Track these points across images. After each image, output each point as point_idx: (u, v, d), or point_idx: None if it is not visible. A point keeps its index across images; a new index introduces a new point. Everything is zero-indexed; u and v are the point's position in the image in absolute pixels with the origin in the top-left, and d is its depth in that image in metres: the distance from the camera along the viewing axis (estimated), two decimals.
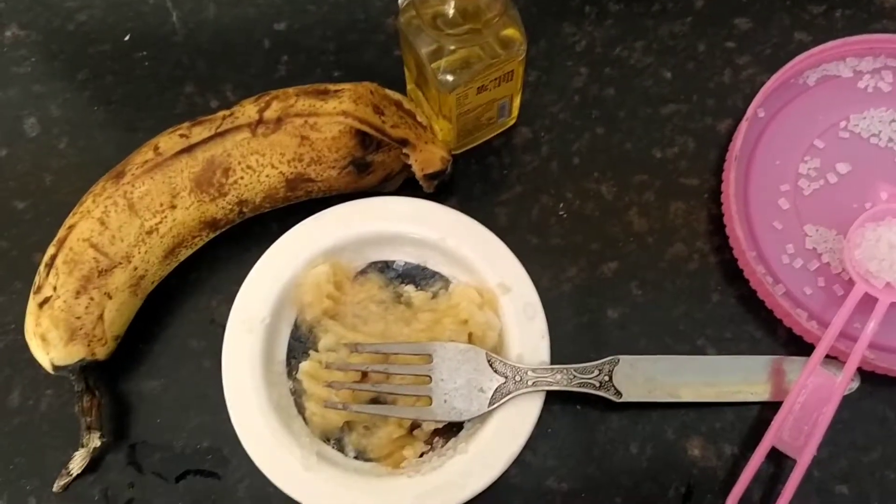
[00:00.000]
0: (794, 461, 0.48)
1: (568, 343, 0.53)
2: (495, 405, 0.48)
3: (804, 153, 0.56)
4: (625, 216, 0.56)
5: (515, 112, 0.57)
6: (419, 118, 0.54)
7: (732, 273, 0.54)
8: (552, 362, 0.50)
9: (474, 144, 0.57)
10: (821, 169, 0.55)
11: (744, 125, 0.54)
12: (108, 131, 0.59)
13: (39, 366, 0.51)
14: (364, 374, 0.50)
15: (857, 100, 0.57)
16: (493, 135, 0.58)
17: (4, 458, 0.52)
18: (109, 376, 0.53)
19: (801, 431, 0.49)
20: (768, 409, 0.51)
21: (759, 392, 0.51)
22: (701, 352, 0.53)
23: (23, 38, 0.62)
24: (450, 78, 0.49)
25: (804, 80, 0.58)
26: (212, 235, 0.53)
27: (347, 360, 0.50)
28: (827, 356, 0.50)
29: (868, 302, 0.50)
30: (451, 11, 0.46)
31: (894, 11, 0.60)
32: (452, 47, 0.48)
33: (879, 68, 0.58)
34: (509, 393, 0.49)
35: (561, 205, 0.56)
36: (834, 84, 0.58)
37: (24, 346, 0.51)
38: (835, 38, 0.57)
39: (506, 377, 0.49)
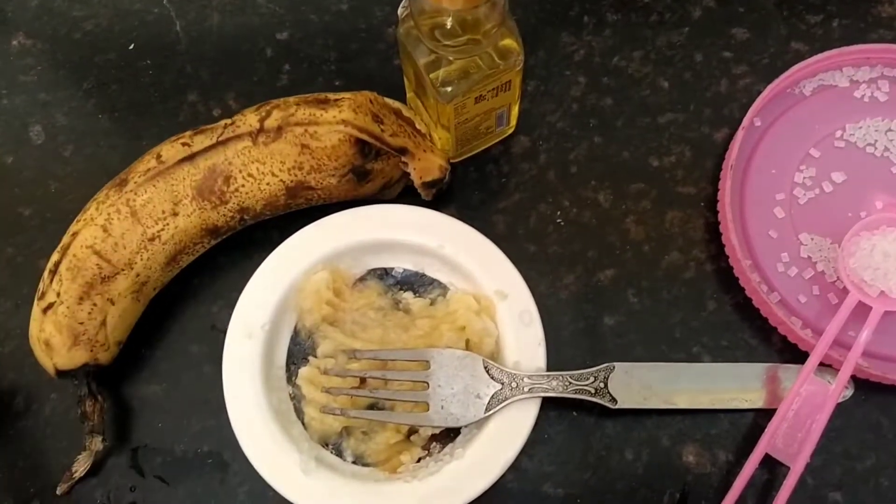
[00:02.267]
0: (788, 468, 0.49)
1: (565, 350, 0.54)
2: (492, 411, 0.49)
3: (800, 162, 0.56)
4: (622, 224, 0.57)
5: (514, 121, 0.58)
6: (418, 126, 0.55)
7: (728, 281, 0.54)
8: (549, 369, 0.51)
9: (473, 153, 0.58)
10: (816, 178, 0.56)
11: (740, 134, 0.55)
12: (113, 139, 0.60)
13: (44, 370, 0.51)
14: (362, 380, 0.51)
15: (853, 109, 0.57)
16: (491, 143, 0.58)
17: (9, 460, 0.53)
18: (112, 381, 0.54)
19: (794, 439, 0.50)
20: (763, 416, 0.51)
21: (753, 399, 0.52)
22: (696, 359, 0.54)
23: (29, 46, 0.63)
24: (448, 89, 0.50)
25: (800, 90, 0.58)
26: (213, 242, 0.54)
27: (346, 366, 0.51)
28: (821, 364, 0.51)
29: (862, 310, 0.51)
30: (449, 23, 0.47)
31: (892, 21, 0.61)
32: (451, 58, 0.49)
33: (876, 78, 0.58)
34: (505, 399, 0.49)
35: (559, 213, 0.57)
36: (830, 94, 0.58)
37: (30, 351, 0.52)
38: (832, 47, 0.57)
39: (502, 383, 0.49)
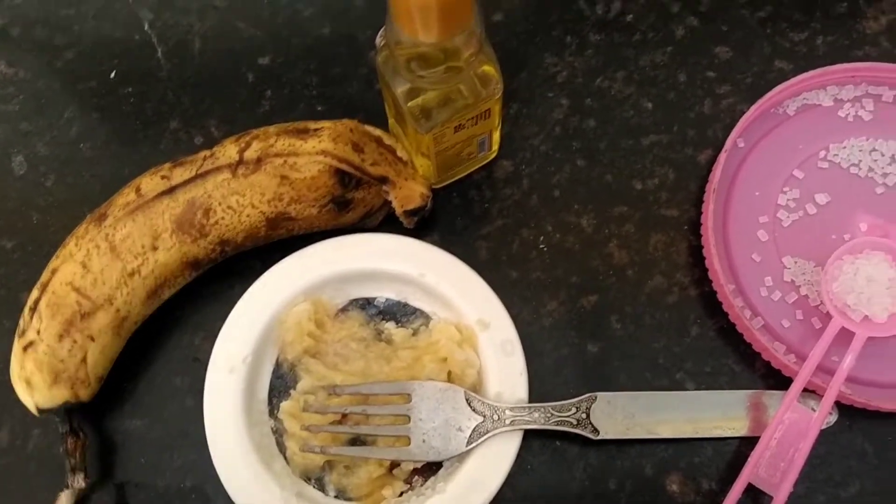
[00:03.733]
0: (772, 498, 0.49)
1: (548, 377, 0.54)
2: (473, 444, 0.49)
3: (783, 183, 0.56)
4: (605, 249, 0.56)
5: (496, 146, 0.57)
6: (399, 153, 0.55)
7: (712, 306, 0.54)
8: (531, 398, 0.51)
9: (455, 178, 0.58)
10: (800, 200, 0.55)
11: (723, 157, 0.54)
12: (95, 168, 0.60)
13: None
14: (343, 415, 0.51)
15: (837, 129, 0.57)
16: (473, 169, 0.58)
17: None
18: (94, 416, 0.54)
19: (777, 468, 0.49)
20: (747, 444, 0.51)
21: (737, 427, 0.51)
22: (680, 386, 0.53)
23: (10, 75, 0.63)
24: (427, 119, 0.49)
25: (784, 110, 0.58)
26: (194, 275, 0.54)
27: (326, 402, 0.51)
28: (805, 390, 0.51)
29: (846, 335, 0.50)
30: (426, 54, 0.46)
31: (877, 37, 0.60)
32: (428, 88, 0.49)
33: (860, 96, 0.57)
34: (487, 432, 0.49)
35: (541, 238, 0.57)
36: (814, 113, 0.58)
37: (12, 386, 0.52)
38: (816, 65, 0.57)
39: (484, 416, 0.49)
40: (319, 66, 0.62)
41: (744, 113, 0.55)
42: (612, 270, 0.56)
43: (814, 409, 0.50)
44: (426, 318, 0.54)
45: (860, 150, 0.56)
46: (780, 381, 0.52)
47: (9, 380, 0.52)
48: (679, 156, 0.58)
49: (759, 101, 0.55)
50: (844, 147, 0.56)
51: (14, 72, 0.63)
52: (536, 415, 0.49)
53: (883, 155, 0.56)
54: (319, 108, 0.61)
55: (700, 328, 0.54)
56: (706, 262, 0.54)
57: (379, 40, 0.49)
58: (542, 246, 0.57)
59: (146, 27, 0.63)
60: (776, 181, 0.56)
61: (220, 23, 0.63)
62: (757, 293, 0.54)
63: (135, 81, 0.62)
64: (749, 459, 0.49)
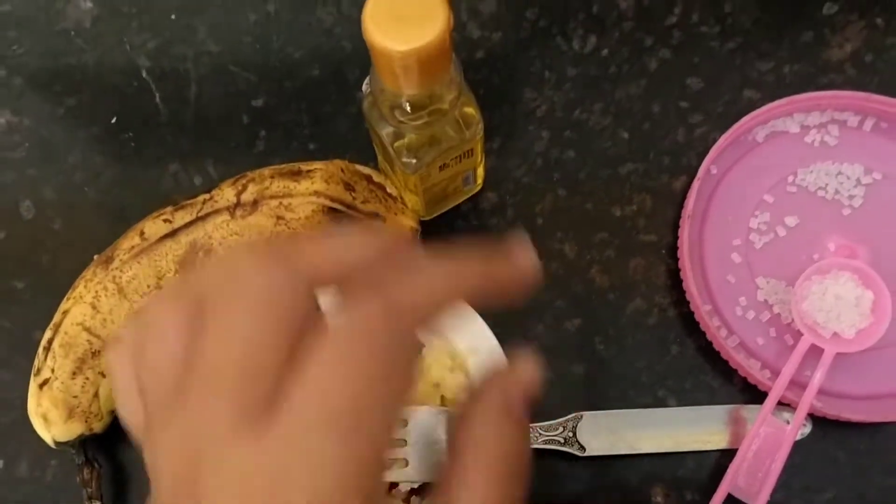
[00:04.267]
0: None
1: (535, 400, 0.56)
2: None
3: (755, 208, 0.59)
4: (587, 274, 0.59)
5: (480, 180, 0.60)
6: (389, 190, 0.58)
7: (690, 325, 0.57)
8: None
9: (443, 210, 0.61)
10: (770, 223, 0.58)
11: (696, 184, 0.57)
12: (100, 211, 0.63)
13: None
14: None
15: (804, 154, 0.60)
16: (460, 201, 0.61)
17: None
18: (109, 446, 0.57)
19: (755, 478, 0.52)
20: (727, 456, 0.54)
21: (715, 441, 0.54)
22: (662, 402, 0.56)
23: (16, 124, 0.66)
24: (412, 160, 0.52)
25: (753, 137, 0.61)
26: None
27: None
28: (781, 403, 0.53)
29: (817, 351, 0.53)
30: (406, 106, 0.49)
31: (841, 65, 0.63)
32: (412, 134, 0.51)
33: (826, 123, 0.60)
34: None
35: None
36: (782, 139, 0.60)
37: (30, 420, 0.55)
38: (783, 93, 0.60)
39: None
40: (311, 106, 0.65)
41: (716, 140, 0.58)
42: (594, 294, 0.59)
43: (788, 422, 0.53)
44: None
45: (826, 174, 0.59)
46: (756, 395, 0.55)
47: (23, 415, 0.55)
48: (655, 183, 0.61)
49: (730, 130, 0.58)
50: (811, 171, 0.59)
51: (19, 120, 0.66)
52: None
53: (848, 178, 0.59)
54: (311, 147, 0.64)
55: (680, 347, 0.57)
56: (683, 284, 0.57)
57: (365, 87, 0.52)
58: None
59: (144, 74, 0.66)
60: (748, 206, 0.59)
61: (215, 68, 0.66)
62: (732, 313, 0.57)
63: (135, 126, 0.65)
64: (728, 471, 0.52)
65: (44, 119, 0.66)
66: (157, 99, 0.66)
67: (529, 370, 0.33)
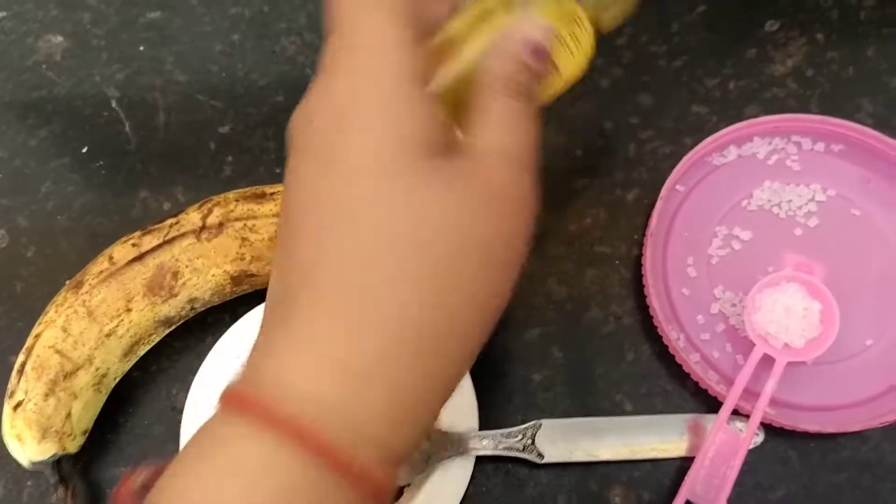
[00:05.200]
0: None
1: (499, 406, 0.58)
2: (430, 469, 0.53)
3: (715, 224, 0.61)
4: (545, 286, 0.61)
5: None
6: None
7: (644, 332, 0.59)
8: (483, 424, 0.55)
9: None
10: (727, 239, 0.61)
11: (659, 204, 0.59)
12: (72, 238, 0.65)
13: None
14: None
15: (762, 175, 0.62)
16: None
17: None
18: (83, 466, 0.58)
19: (712, 485, 0.54)
20: (685, 461, 0.56)
21: (671, 450, 0.56)
22: (619, 406, 0.58)
23: None
24: None
25: (714, 159, 0.63)
26: (167, 331, 0.59)
27: None
28: (736, 412, 0.55)
29: (769, 362, 0.55)
30: None
31: (784, 79, 0.66)
32: None
33: (783, 145, 0.62)
34: (441, 459, 0.54)
35: None
36: (741, 161, 0.63)
37: (3, 443, 0.56)
38: (730, 108, 0.62)
39: (438, 443, 0.54)
40: (276, 131, 0.67)
41: (665, 154, 0.61)
42: (552, 305, 0.61)
43: (741, 431, 0.55)
44: None
45: (783, 193, 0.61)
46: (710, 398, 0.57)
47: (1, 438, 0.57)
48: (609, 197, 0.63)
49: (691, 153, 0.60)
50: (769, 190, 0.61)
51: None
52: (486, 441, 0.54)
53: (800, 196, 0.61)
54: (278, 171, 0.66)
55: (635, 353, 0.59)
56: (646, 299, 0.58)
57: None
58: None
59: (114, 104, 0.68)
60: (708, 224, 0.61)
61: (182, 96, 0.68)
62: (691, 325, 0.59)
63: (105, 155, 0.67)
64: (685, 479, 0.54)
65: (17, 150, 0.68)
66: (127, 128, 0.68)
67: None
